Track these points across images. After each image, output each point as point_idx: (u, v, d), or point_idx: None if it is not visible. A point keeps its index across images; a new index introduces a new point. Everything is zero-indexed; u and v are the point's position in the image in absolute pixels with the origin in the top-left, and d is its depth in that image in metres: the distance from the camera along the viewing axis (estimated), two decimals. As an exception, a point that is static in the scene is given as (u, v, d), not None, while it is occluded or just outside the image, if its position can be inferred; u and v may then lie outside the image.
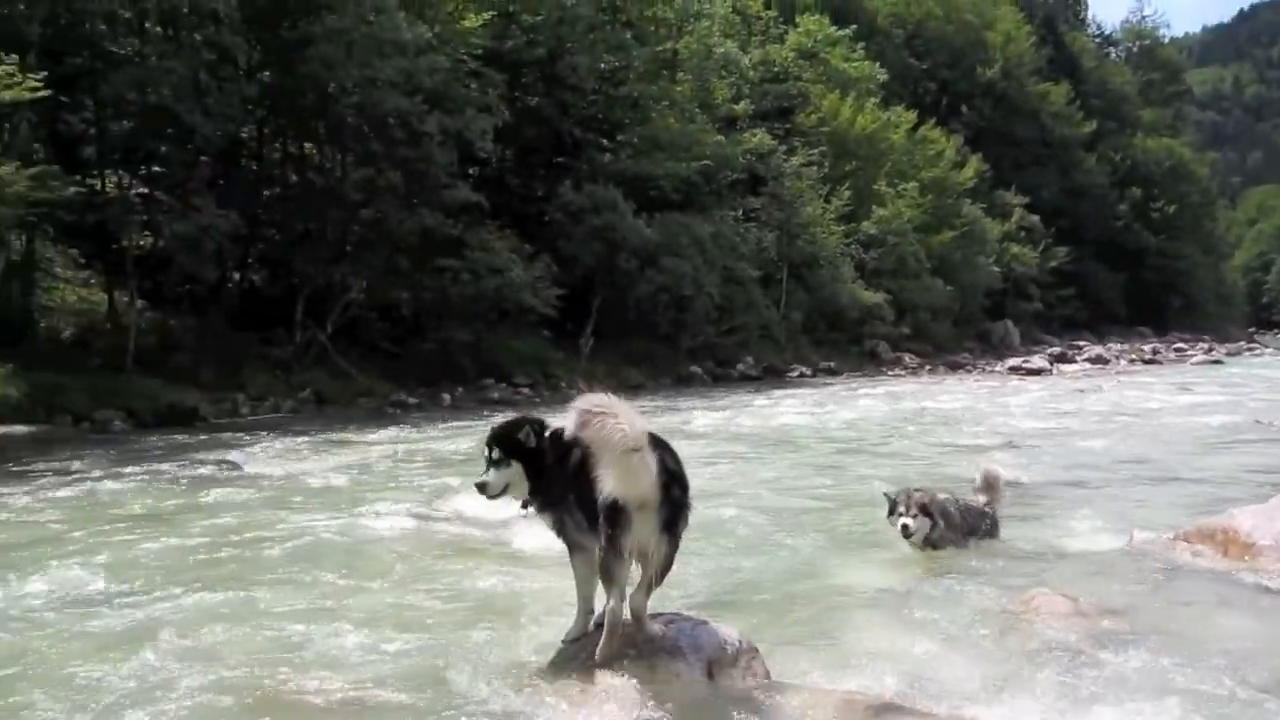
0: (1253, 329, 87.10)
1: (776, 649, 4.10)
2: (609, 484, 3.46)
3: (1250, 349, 55.42)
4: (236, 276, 21.91)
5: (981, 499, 6.30)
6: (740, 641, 3.82)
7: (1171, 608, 4.77)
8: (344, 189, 21.55)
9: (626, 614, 3.66)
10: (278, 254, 22.41)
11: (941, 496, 5.96)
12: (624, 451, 3.41)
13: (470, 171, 24.95)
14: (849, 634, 4.38)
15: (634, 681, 3.55)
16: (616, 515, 3.50)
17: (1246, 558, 5.41)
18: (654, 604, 4.17)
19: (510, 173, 28.21)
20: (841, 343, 37.06)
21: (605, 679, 3.59)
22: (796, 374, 30.98)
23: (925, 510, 5.72)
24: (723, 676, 3.68)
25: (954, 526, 5.86)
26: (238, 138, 21.11)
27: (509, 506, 7.01)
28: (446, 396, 20.67)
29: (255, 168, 22.69)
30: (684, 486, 3.61)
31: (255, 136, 22.10)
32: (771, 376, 29.94)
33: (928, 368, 35.79)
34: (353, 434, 14.22)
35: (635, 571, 3.66)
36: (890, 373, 33.78)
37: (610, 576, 3.59)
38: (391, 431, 14.77)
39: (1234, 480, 8.82)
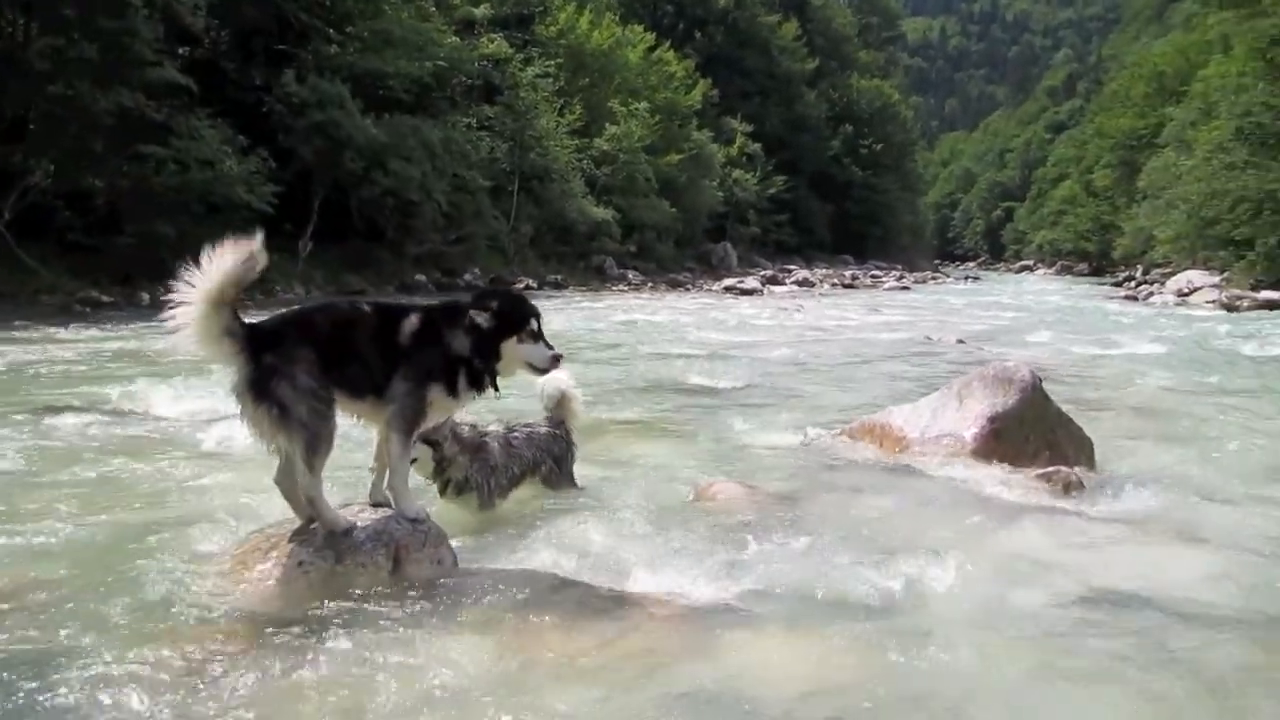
0: (938, 261, 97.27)
1: (467, 540, 4.21)
2: None
3: (934, 278, 62.01)
4: (-116, 151, 18.86)
5: (549, 422, 5.26)
6: (428, 529, 3.87)
7: (833, 492, 5.33)
8: (26, 57, 18.88)
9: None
10: (-61, 128, 19.48)
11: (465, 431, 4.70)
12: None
13: (180, 51, 22.67)
14: (535, 523, 4.52)
15: (315, 573, 3.55)
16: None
17: (898, 449, 6.15)
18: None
19: (225, 57, 25.83)
20: (569, 257, 37.62)
21: (284, 571, 3.56)
22: (523, 286, 31.10)
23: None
24: (409, 564, 3.72)
25: (495, 470, 4.76)
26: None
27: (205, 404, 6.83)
28: (145, 295, 19.01)
29: (-91, 26, 19.46)
30: (281, 353, 3.45)
31: (-90, -11, 18.89)
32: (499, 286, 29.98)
33: (650, 285, 37.11)
34: (31, 332, 12.90)
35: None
36: (614, 288, 34.76)
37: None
38: (79, 330, 13.54)
39: (897, 385, 9.86)
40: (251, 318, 3.60)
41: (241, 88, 25.19)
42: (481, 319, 3.83)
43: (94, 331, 13.63)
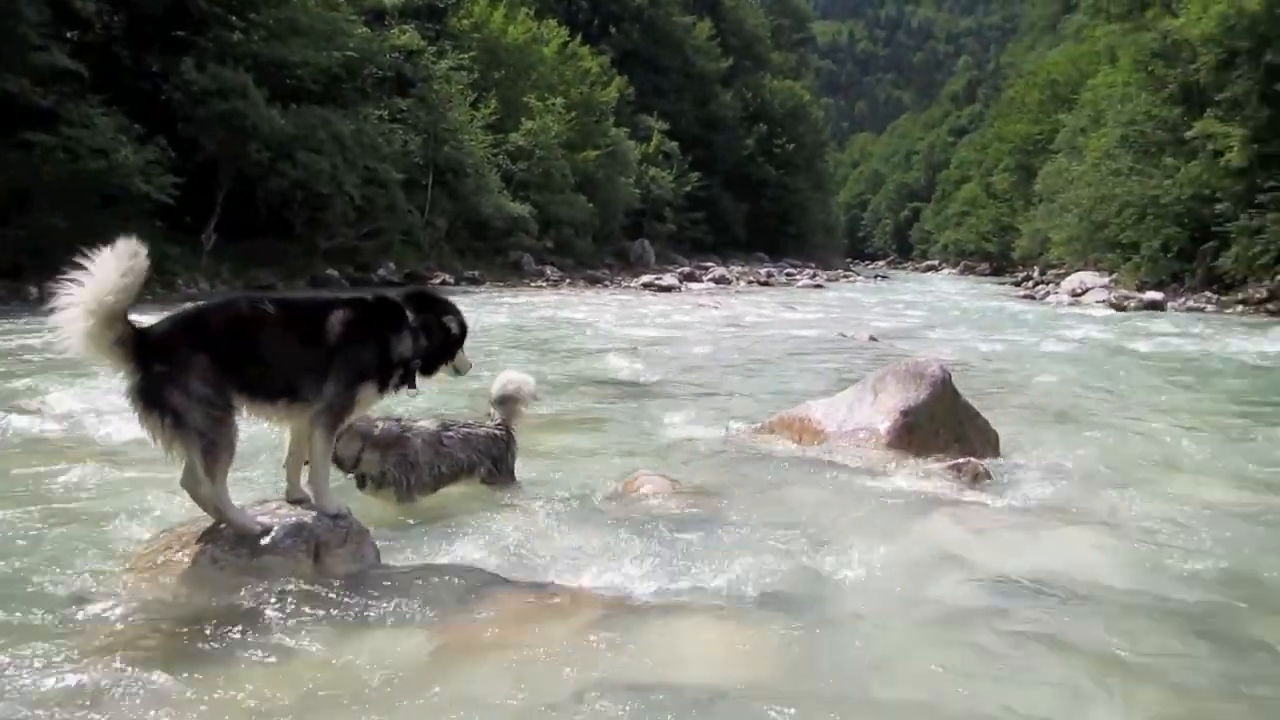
0: (849, 259, 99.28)
1: (390, 536, 4.17)
2: None
3: (846, 276, 63.38)
4: None
5: (495, 419, 5.12)
6: (350, 524, 3.82)
7: (754, 484, 5.41)
8: (-102, 40, 17.95)
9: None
10: None
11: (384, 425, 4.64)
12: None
13: (69, 35, 21.73)
14: (461, 519, 4.49)
15: (230, 570, 3.49)
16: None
17: (816, 442, 6.26)
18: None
19: (119, 42, 24.84)
20: (486, 252, 37.25)
21: (198, 569, 3.49)
22: (439, 281, 30.72)
23: None
24: (329, 560, 3.68)
25: (416, 465, 4.66)
26: None
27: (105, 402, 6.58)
28: (34, 290, 18.14)
29: None
30: (173, 359, 3.34)
31: None
32: (414, 283, 29.42)
33: (568, 281, 36.97)
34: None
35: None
36: (532, 284, 34.54)
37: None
38: (-38, 326, 12.89)
39: (815, 380, 10.06)
40: (153, 314, 3.48)
41: (137, 75, 24.24)
42: (453, 325, 4.06)
43: (-19, 326, 13.00)
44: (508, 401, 5.16)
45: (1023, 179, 68.08)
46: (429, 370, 4.05)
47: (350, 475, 4.58)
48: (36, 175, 19.45)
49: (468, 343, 4.25)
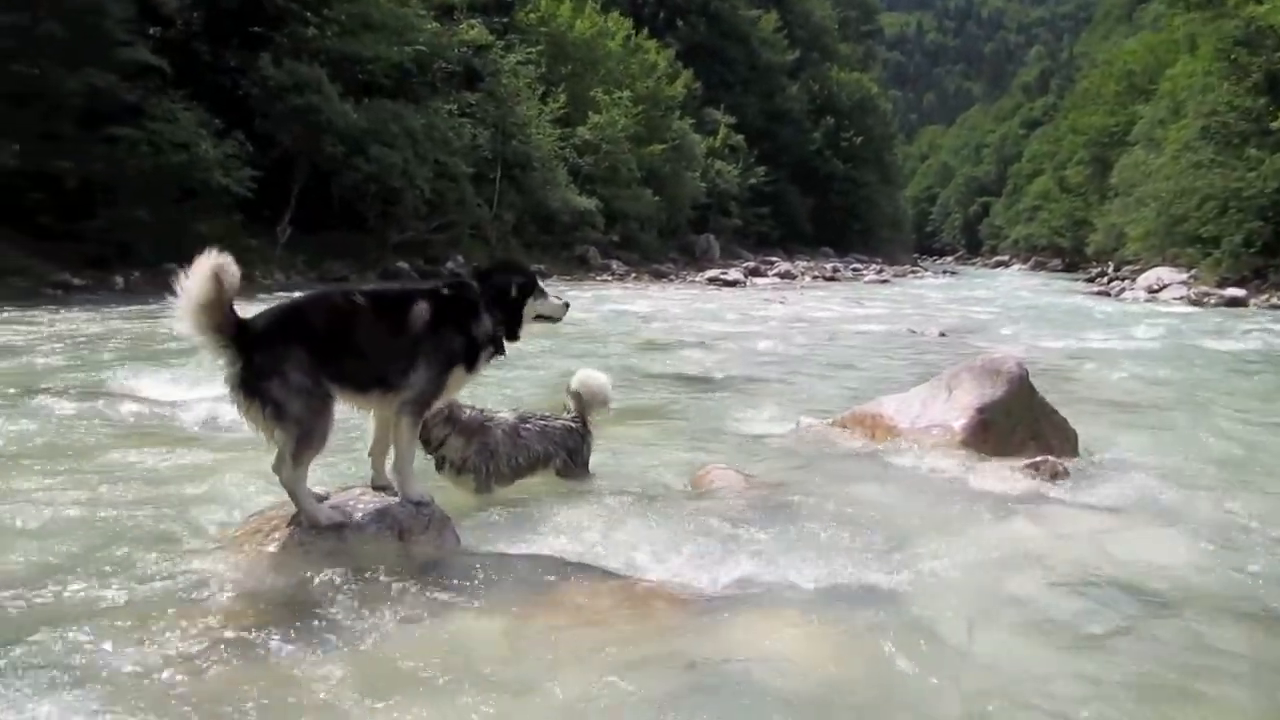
0: (917, 255, 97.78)
1: (468, 523, 4.22)
2: None
3: (913, 272, 62.39)
4: None
5: (570, 413, 5.20)
6: (433, 511, 3.91)
7: (828, 480, 5.36)
8: (-12, 36, 18.56)
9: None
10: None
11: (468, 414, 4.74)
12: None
13: (151, 31, 22.36)
14: (539, 508, 4.54)
15: (316, 554, 3.58)
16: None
17: (889, 439, 6.19)
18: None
19: (199, 38, 25.47)
20: (552, 246, 37.40)
21: (285, 553, 3.60)
22: (508, 274, 30.95)
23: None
24: (412, 546, 3.76)
25: (495, 455, 4.74)
26: None
27: (192, 388, 6.79)
28: (120, 280, 18.81)
29: None
30: (273, 351, 3.47)
31: None
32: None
33: (634, 275, 36.95)
34: (2, 314, 12.72)
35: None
36: (598, 278, 34.61)
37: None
38: (52, 313, 13.38)
39: (885, 376, 9.95)
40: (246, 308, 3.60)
41: (216, 70, 24.82)
42: (512, 288, 4.09)
43: (70, 315, 13.49)
44: (587, 401, 5.19)
45: (1097, 172, 66.24)
46: (512, 335, 4.12)
47: (430, 456, 4.66)
48: (121, 169, 19.99)
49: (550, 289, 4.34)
